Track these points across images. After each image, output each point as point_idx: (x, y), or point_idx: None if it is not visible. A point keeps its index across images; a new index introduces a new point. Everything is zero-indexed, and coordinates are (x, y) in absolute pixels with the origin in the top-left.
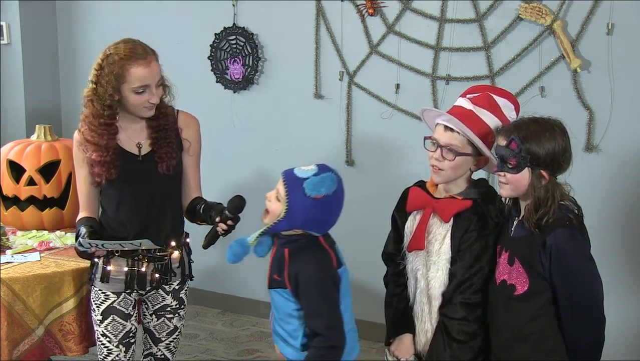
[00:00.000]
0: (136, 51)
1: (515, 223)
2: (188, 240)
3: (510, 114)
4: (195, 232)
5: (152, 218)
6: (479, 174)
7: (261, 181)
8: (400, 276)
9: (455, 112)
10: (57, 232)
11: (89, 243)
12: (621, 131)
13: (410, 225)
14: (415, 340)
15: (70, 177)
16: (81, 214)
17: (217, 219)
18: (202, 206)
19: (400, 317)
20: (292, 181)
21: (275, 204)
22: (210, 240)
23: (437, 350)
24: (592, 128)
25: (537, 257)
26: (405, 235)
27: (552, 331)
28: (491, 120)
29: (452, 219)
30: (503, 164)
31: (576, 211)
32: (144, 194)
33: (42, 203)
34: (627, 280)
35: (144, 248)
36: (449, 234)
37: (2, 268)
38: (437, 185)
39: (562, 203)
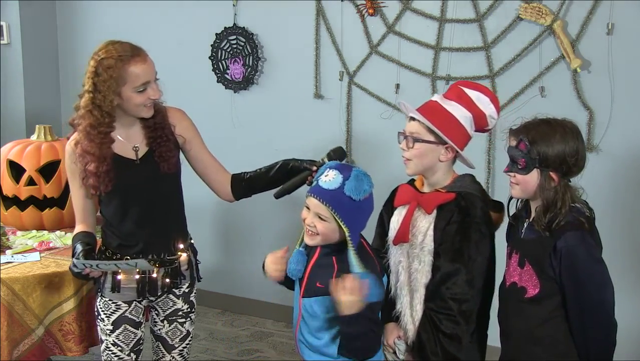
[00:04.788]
0: (129, 50)
1: (525, 224)
2: (192, 241)
3: (487, 107)
4: (200, 231)
5: (158, 221)
6: (478, 169)
7: None
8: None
9: (423, 105)
10: (57, 232)
11: (83, 264)
12: (621, 131)
13: (396, 220)
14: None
15: None
16: (77, 228)
17: (314, 168)
18: (290, 165)
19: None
20: (331, 197)
21: (322, 224)
22: (288, 189)
23: (428, 345)
24: (592, 128)
25: (547, 260)
26: (390, 230)
27: (564, 334)
28: (459, 111)
29: (435, 211)
30: (513, 164)
31: (587, 214)
32: (147, 198)
33: (42, 203)
34: (627, 279)
35: (139, 269)
36: (431, 227)
37: (2, 268)
38: (424, 183)
39: (573, 205)
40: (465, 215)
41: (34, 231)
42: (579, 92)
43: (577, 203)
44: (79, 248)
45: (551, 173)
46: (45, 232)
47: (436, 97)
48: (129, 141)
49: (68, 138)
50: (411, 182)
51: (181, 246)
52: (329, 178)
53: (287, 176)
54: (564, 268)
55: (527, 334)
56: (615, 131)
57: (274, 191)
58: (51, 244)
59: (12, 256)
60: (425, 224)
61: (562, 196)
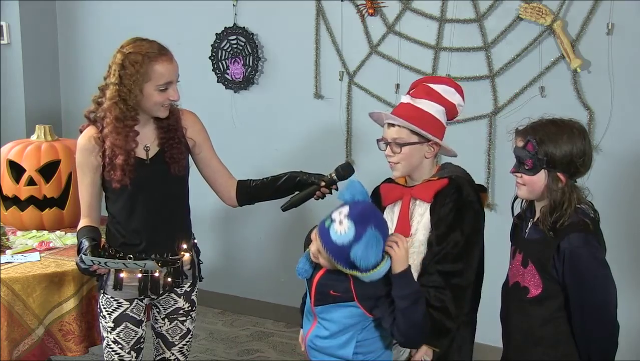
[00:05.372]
0: (156, 48)
1: (529, 224)
2: (195, 241)
3: (454, 97)
4: (200, 231)
5: (163, 221)
6: (478, 169)
7: None
8: None
9: (396, 109)
10: (57, 232)
11: (92, 261)
12: (621, 131)
13: (389, 218)
14: None
15: (70, 177)
16: (82, 223)
17: (323, 183)
18: (297, 178)
19: None
20: (336, 252)
21: (324, 261)
22: (295, 203)
23: None
24: (592, 128)
25: (551, 261)
26: None
27: (565, 335)
28: (431, 107)
29: (432, 199)
30: (520, 165)
31: (592, 215)
32: (155, 198)
33: (42, 203)
34: (626, 279)
35: (147, 269)
36: (427, 212)
37: (2, 268)
38: (406, 179)
39: (579, 206)
40: (458, 194)
41: (34, 231)
42: (579, 92)
43: (583, 204)
44: (86, 243)
45: (558, 174)
46: (45, 232)
47: (406, 99)
48: (141, 140)
49: (81, 131)
50: (389, 180)
51: (184, 246)
52: (342, 230)
53: (293, 188)
54: (567, 269)
55: (529, 334)
56: (615, 131)
57: (281, 203)
58: (51, 244)
59: (12, 256)
60: (421, 211)
61: (569, 197)
